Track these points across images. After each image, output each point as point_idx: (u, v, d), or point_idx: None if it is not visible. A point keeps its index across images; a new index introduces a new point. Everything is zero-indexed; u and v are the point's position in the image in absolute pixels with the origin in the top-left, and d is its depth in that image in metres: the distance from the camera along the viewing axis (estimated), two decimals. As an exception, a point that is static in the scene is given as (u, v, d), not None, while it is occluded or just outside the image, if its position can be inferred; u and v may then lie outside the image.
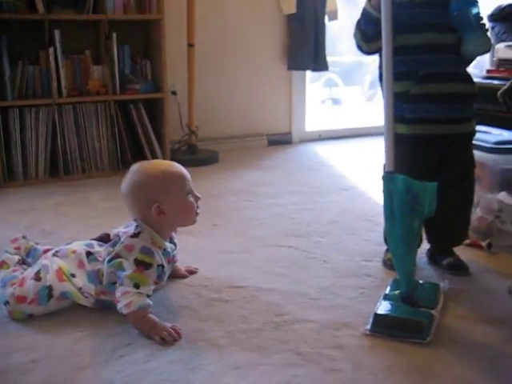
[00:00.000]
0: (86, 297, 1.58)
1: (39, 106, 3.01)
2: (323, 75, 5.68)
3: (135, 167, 1.63)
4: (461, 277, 1.80)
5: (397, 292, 1.58)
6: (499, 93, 2.61)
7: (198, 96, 3.54)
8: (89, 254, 1.63)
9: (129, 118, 3.30)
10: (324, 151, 3.87)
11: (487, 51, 1.76)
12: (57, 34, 3.01)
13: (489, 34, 1.76)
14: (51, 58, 3.01)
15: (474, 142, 1.94)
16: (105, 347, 1.42)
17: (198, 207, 1.66)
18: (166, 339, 1.43)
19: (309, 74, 4.24)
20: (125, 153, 3.20)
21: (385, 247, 1.93)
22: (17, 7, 2.91)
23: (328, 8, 3.98)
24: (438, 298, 1.60)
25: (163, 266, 1.58)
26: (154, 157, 3.28)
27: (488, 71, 3.21)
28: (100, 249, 1.65)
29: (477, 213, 2.09)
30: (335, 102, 6.32)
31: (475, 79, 1.83)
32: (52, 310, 1.57)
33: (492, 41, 3.44)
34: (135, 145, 3.29)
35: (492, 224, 2.04)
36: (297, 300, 1.66)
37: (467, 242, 2.00)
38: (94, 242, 1.70)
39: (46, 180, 3.06)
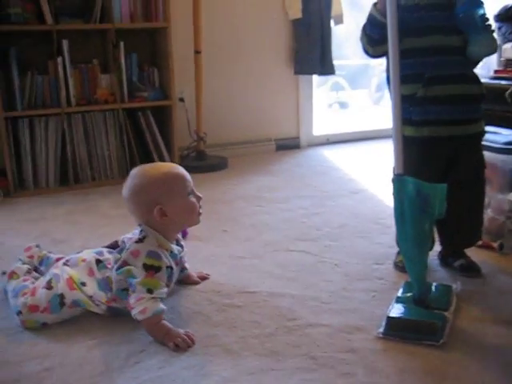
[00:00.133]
0: (97, 304, 1.59)
1: (48, 116, 3.03)
2: (330, 79, 5.70)
3: (135, 171, 1.63)
4: (473, 278, 1.80)
5: (409, 294, 1.57)
6: (507, 93, 2.61)
7: (205, 102, 3.55)
8: (98, 261, 1.64)
9: (137, 125, 3.31)
10: (332, 155, 3.87)
11: (493, 52, 1.76)
12: (65, 43, 3.04)
13: (495, 35, 1.76)
14: (60, 68, 3.03)
15: (483, 142, 1.94)
16: (118, 354, 1.42)
17: (200, 207, 1.66)
18: (180, 345, 1.43)
19: (315, 78, 4.25)
20: (134, 160, 3.21)
21: (396, 250, 1.93)
22: (26, 18, 2.93)
23: (333, 12, 3.98)
24: (451, 300, 1.60)
25: (172, 268, 1.59)
26: (163, 164, 3.29)
27: (496, 71, 3.21)
28: (109, 256, 1.66)
29: (488, 214, 2.07)
30: (342, 105, 6.32)
31: (483, 80, 1.83)
32: (65, 318, 1.58)
33: (499, 41, 3.46)
34: (144, 152, 3.31)
35: (503, 225, 2.03)
36: (309, 304, 1.66)
37: (479, 243, 1.99)
38: (104, 250, 1.71)
39: (56, 189, 3.07)
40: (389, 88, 1.78)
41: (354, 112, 6.09)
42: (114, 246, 1.73)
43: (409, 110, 1.66)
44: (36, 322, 1.56)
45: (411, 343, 1.42)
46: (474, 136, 1.80)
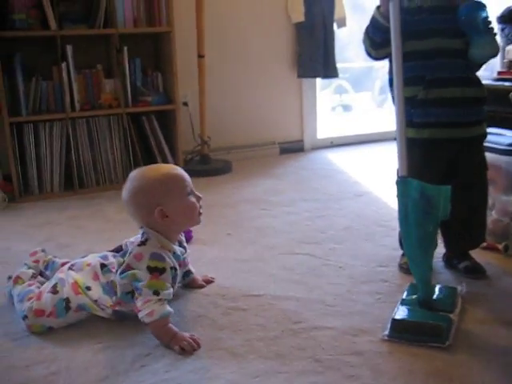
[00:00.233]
0: (102, 308, 1.59)
1: (53, 121, 3.05)
2: (333, 82, 5.69)
3: (134, 173, 1.63)
4: (478, 280, 1.80)
5: (414, 297, 1.57)
6: (511, 94, 2.61)
7: (209, 106, 3.56)
8: (103, 265, 1.64)
9: (141, 130, 3.33)
10: (336, 158, 3.87)
11: (495, 55, 1.76)
12: (69, 49, 3.05)
13: (497, 38, 1.76)
14: (64, 73, 3.05)
15: (487, 144, 1.94)
16: (124, 358, 1.43)
17: (201, 207, 1.66)
18: (186, 349, 1.43)
19: (319, 81, 4.25)
20: (138, 164, 3.22)
21: (400, 252, 1.93)
22: (30, 24, 2.95)
23: (336, 15, 3.99)
24: (456, 302, 1.60)
25: (176, 269, 1.59)
26: (168, 168, 3.29)
27: (499, 73, 3.21)
28: (114, 260, 1.66)
29: (492, 215, 2.07)
30: (346, 108, 6.32)
31: (486, 81, 1.83)
32: (71, 322, 1.59)
33: (502, 42, 3.47)
34: (148, 156, 3.31)
35: (508, 226, 2.02)
36: (314, 307, 1.66)
37: (483, 244, 1.99)
38: (109, 254, 1.71)
39: (61, 194, 3.09)
40: (391, 90, 1.80)
41: (357, 115, 6.08)
42: (118, 250, 1.73)
43: (410, 112, 1.66)
44: (42, 326, 1.57)
45: (416, 345, 1.42)
46: (475, 138, 1.80)
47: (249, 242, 2.24)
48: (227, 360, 1.40)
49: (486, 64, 1.83)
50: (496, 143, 2.05)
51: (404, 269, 1.85)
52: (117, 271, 1.58)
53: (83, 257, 1.74)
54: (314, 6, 3.87)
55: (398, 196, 1.54)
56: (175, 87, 3.28)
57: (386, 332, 1.47)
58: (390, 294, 1.72)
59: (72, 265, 1.69)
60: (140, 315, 1.48)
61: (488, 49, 1.72)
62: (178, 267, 1.61)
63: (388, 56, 1.79)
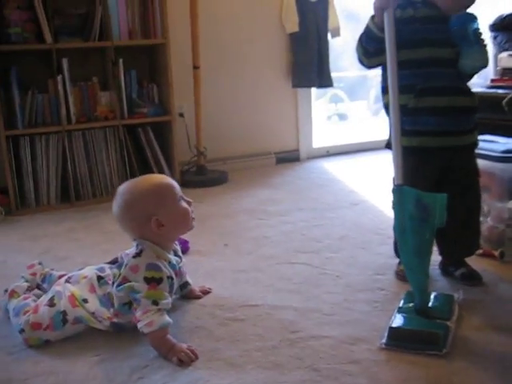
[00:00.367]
0: (99, 321, 1.59)
1: (49, 134, 3.05)
2: (329, 91, 5.72)
3: (123, 188, 1.62)
4: (474, 287, 1.80)
5: (411, 304, 1.58)
6: (504, 102, 2.63)
7: (205, 117, 3.57)
8: (99, 278, 1.64)
9: (137, 141, 3.33)
10: (332, 167, 3.89)
11: (485, 67, 1.77)
12: (64, 62, 3.07)
13: (488, 49, 1.77)
14: (60, 86, 3.06)
15: (481, 151, 1.96)
16: (122, 370, 1.42)
17: (192, 212, 1.66)
18: (184, 360, 1.43)
19: (314, 90, 4.27)
20: (135, 176, 3.18)
21: (397, 260, 1.94)
22: (25, 38, 2.96)
23: (330, 25, 4.02)
24: (453, 309, 1.60)
25: (172, 278, 1.59)
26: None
27: (492, 80, 3.24)
28: (110, 272, 1.66)
29: (487, 222, 2.08)
30: (341, 117, 6.34)
31: (480, 89, 1.85)
32: (68, 335, 1.59)
33: (495, 50, 3.49)
34: (145, 168, 3.32)
35: (503, 233, 2.03)
36: (311, 316, 1.66)
37: (480, 251, 2.00)
38: (106, 266, 1.70)
39: (57, 206, 3.09)
40: (383, 98, 1.81)
41: (353, 124, 6.10)
42: (115, 262, 1.73)
43: (401, 120, 1.68)
44: (39, 339, 1.56)
45: (414, 353, 1.42)
46: (466, 146, 1.82)
47: (246, 253, 2.25)
48: (225, 371, 1.40)
49: (480, 71, 1.85)
50: (490, 150, 2.06)
51: (400, 276, 1.86)
52: (113, 283, 1.58)
53: (80, 269, 1.74)
54: (308, 16, 3.90)
55: (394, 204, 1.55)
56: (171, 98, 3.29)
57: (384, 340, 1.48)
58: (387, 302, 1.72)
59: (69, 277, 1.69)
60: (139, 325, 1.48)
61: (478, 60, 1.74)
62: (174, 276, 1.61)
63: (380, 64, 1.81)
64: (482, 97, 1.85)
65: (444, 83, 1.75)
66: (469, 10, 1.76)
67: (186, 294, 1.81)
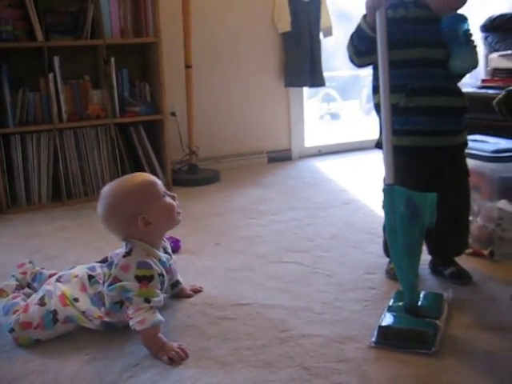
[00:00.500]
0: (90, 320, 1.59)
1: (40, 132, 3.04)
2: (321, 90, 5.72)
3: (105, 190, 1.62)
4: (464, 286, 1.81)
5: (400, 303, 1.58)
6: (495, 102, 2.64)
7: (197, 116, 3.57)
8: (90, 277, 1.64)
9: (129, 140, 3.33)
10: (324, 166, 3.90)
11: (475, 67, 1.79)
12: (56, 60, 3.05)
13: (478, 49, 1.79)
14: (51, 84, 3.04)
15: (471, 151, 1.97)
16: (113, 369, 1.42)
17: (177, 206, 1.66)
18: (174, 359, 1.43)
19: (306, 89, 4.28)
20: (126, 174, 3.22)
21: (387, 259, 1.95)
22: (16, 36, 2.95)
23: (322, 25, 4.03)
24: (442, 308, 1.61)
25: (163, 275, 1.59)
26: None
27: (483, 81, 3.26)
28: (101, 271, 1.66)
29: (477, 221, 2.10)
30: (334, 116, 6.35)
31: (470, 89, 1.86)
32: (58, 334, 1.58)
33: (485, 51, 3.51)
34: (136, 167, 3.31)
35: (493, 232, 2.05)
36: (301, 315, 1.67)
37: (469, 251, 2.01)
38: (97, 265, 1.70)
39: (49, 205, 3.08)
40: (374, 97, 1.82)
41: (345, 123, 6.11)
42: (105, 261, 1.73)
43: (392, 119, 1.68)
44: (29, 338, 1.56)
45: (403, 352, 1.43)
46: (456, 147, 1.83)
47: (237, 251, 2.25)
48: (215, 369, 1.40)
49: (470, 72, 1.86)
50: (480, 150, 2.07)
51: (391, 274, 1.87)
52: (104, 282, 1.58)
53: (71, 268, 1.73)
54: (300, 15, 3.91)
55: (384, 203, 1.56)
56: (163, 97, 3.29)
57: (373, 339, 1.48)
58: (377, 301, 1.73)
59: (59, 276, 1.68)
60: (131, 323, 1.48)
61: (468, 61, 1.76)
62: (165, 274, 1.61)
63: (371, 64, 1.82)
64: (472, 97, 1.86)
65: (435, 83, 1.76)
66: (460, 11, 1.77)
67: (177, 292, 1.81)
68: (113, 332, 1.59)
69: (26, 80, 3.10)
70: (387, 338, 1.47)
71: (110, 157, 3.21)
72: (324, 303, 1.74)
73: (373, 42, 1.66)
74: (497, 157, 2.05)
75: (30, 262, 1.85)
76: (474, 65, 1.78)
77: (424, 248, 1.84)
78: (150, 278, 1.52)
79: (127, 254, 1.56)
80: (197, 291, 1.86)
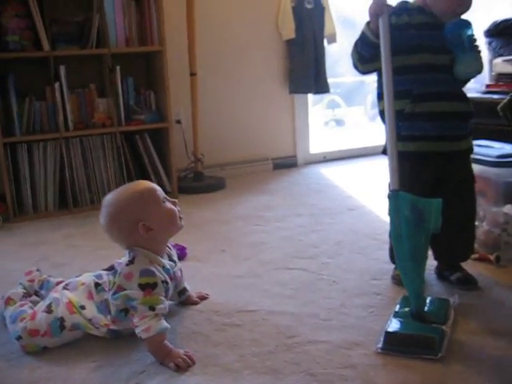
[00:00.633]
0: (96, 327, 1.59)
1: (47, 141, 3.06)
2: (326, 97, 5.74)
3: (107, 200, 1.63)
4: (470, 291, 1.81)
5: (407, 309, 1.58)
6: (499, 107, 2.64)
7: (202, 124, 3.59)
8: (97, 284, 1.65)
9: (135, 148, 3.34)
10: (329, 172, 3.90)
11: (479, 72, 1.79)
12: (62, 69, 3.08)
13: (482, 55, 1.79)
14: (57, 93, 3.07)
15: (476, 156, 1.97)
16: (119, 376, 1.43)
17: (179, 211, 1.66)
18: (181, 366, 1.44)
19: (311, 96, 4.30)
20: (132, 183, 3.23)
21: (393, 265, 1.94)
22: (23, 46, 2.98)
23: (326, 32, 4.05)
24: (449, 314, 1.61)
25: (167, 283, 1.59)
26: (161, 185, 3.28)
27: (487, 86, 3.25)
28: (107, 278, 1.66)
29: (483, 227, 2.10)
30: (338, 123, 6.37)
31: (475, 94, 1.86)
32: (65, 342, 1.59)
33: (489, 56, 3.51)
34: (142, 174, 3.33)
35: (499, 237, 2.04)
36: (307, 321, 1.67)
37: (476, 256, 2.01)
38: (103, 273, 1.71)
39: (55, 213, 3.09)
40: (379, 104, 1.83)
41: (350, 129, 6.12)
42: (111, 269, 1.74)
43: (397, 125, 1.69)
44: (37, 346, 1.57)
45: (410, 357, 1.43)
46: (461, 152, 1.83)
47: (243, 258, 2.25)
48: (222, 376, 1.40)
49: (475, 77, 1.86)
50: (485, 155, 2.08)
51: (397, 280, 1.86)
52: (109, 290, 1.59)
53: (78, 276, 1.74)
54: (304, 22, 3.93)
55: (389, 209, 1.56)
56: (168, 105, 3.31)
57: (380, 345, 1.48)
58: (383, 306, 1.73)
59: (66, 284, 1.69)
60: (137, 331, 1.49)
61: (472, 66, 1.76)
62: (169, 281, 1.61)
63: (375, 70, 1.82)
64: (477, 102, 1.87)
65: (440, 89, 1.77)
66: (463, 17, 1.78)
67: (184, 300, 1.82)
68: (119, 339, 1.59)
69: (32, 89, 3.12)
70: (393, 344, 1.47)
71: (115, 165, 3.22)
72: (330, 309, 1.74)
73: (377, 49, 1.66)
74: (502, 162, 2.05)
75: (38, 270, 1.87)
76: (479, 70, 1.78)
77: (430, 253, 1.84)
78: (154, 286, 1.53)
79: (130, 262, 1.56)
80: (203, 298, 1.86)
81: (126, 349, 1.55)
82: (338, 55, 5.13)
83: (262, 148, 4.05)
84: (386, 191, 1.60)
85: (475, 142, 1.91)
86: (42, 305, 1.64)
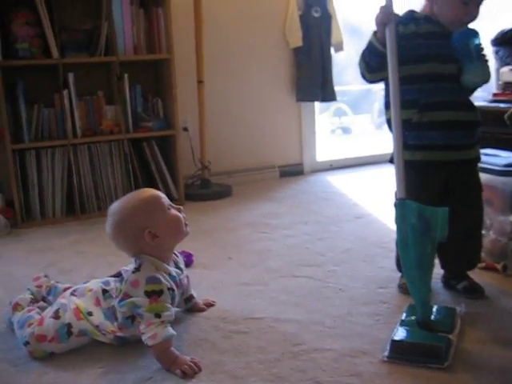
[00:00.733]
0: (103, 334, 1.60)
1: (55, 147, 3.08)
2: (332, 105, 5.75)
3: (112, 208, 1.64)
4: (477, 300, 1.80)
5: (413, 318, 1.58)
6: (506, 115, 2.64)
7: (209, 131, 3.60)
8: (104, 291, 1.66)
9: (142, 155, 3.36)
10: (336, 180, 3.90)
11: (486, 82, 1.79)
12: (70, 76, 3.11)
13: (489, 64, 1.79)
14: (66, 100, 3.09)
15: (483, 165, 1.97)
16: (126, 382, 1.43)
17: (185, 218, 1.67)
18: (187, 372, 1.44)
19: (318, 104, 4.31)
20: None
21: (399, 273, 1.94)
22: (32, 53, 3.00)
23: (333, 40, 4.06)
24: (455, 323, 1.61)
25: (173, 290, 1.60)
26: (168, 192, 3.31)
27: (494, 94, 3.26)
28: (114, 285, 1.67)
29: (490, 235, 2.09)
30: (345, 131, 6.37)
31: (482, 103, 1.86)
32: (73, 347, 1.60)
33: (496, 65, 3.52)
34: (149, 181, 3.34)
35: (506, 246, 2.04)
36: (314, 329, 1.67)
37: (482, 265, 2.01)
38: (111, 279, 1.72)
39: (62, 219, 3.11)
40: (386, 113, 1.83)
41: (356, 137, 6.12)
42: (119, 276, 1.74)
43: (405, 134, 1.69)
44: (44, 351, 1.58)
45: (416, 366, 1.43)
46: (468, 161, 1.83)
47: (249, 266, 2.26)
48: (228, 383, 1.41)
49: (482, 86, 1.86)
50: (492, 164, 2.07)
51: (403, 289, 1.86)
52: (116, 297, 1.59)
53: (85, 282, 1.75)
54: (311, 30, 3.95)
55: (396, 218, 1.56)
56: (175, 113, 3.32)
57: (386, 353, 1.48)
58: (390, 315, 1.73)
59: (74, 290, 1.70)
60: (143, 338, 1.49)
61: (480, 75, 1.76)
62: (175, 288, 1.62)
63: (382, 79, 1.83)
64: (484, 111, 1.87)
65: (447, 98, 1.77)
66: (470, 26, 1.78)
67: (191, 307, 1.82)
68: (126, 346, 1.60)
69: (41, 96, 3.15)
70: (400, 353, 1.47)
71: (123, 172, 3.24)
72: (336, 317, 1.74)
73: (384, 58, 1.67)
74: (509, 171, 2.05)
75: (46, 276, 1.88)
76: (486, 79, 1.78)
77: (436, 262, 1.84)
78: (160, 293, 1.53)
79: (136, 269, 1.57)
80: (209, 305, 1.87)
81: (133, 355, 1.56)
82: (345, 63, 5.14)
83: (269, 156, 4.06)
84: (392, 199, 1.60)
85: (482, 151, 1.91)
86: (50, 311, 1.65)
